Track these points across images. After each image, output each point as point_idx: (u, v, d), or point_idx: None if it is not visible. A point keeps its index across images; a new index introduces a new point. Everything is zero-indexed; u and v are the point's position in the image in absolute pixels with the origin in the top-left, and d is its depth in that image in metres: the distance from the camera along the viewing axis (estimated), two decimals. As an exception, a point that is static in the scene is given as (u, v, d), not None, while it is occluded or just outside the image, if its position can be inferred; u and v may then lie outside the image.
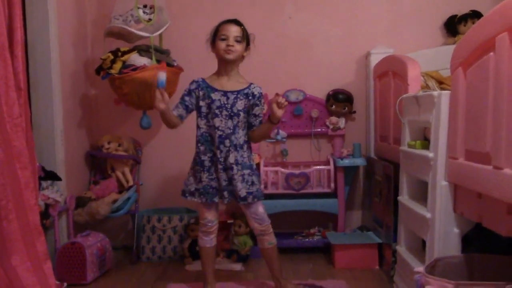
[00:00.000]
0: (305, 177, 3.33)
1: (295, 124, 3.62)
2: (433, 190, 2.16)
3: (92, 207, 3.12)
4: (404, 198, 2.58)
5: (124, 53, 3.21)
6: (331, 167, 3.36)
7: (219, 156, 2.53)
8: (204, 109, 2.57)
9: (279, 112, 2.44)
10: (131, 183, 3.44)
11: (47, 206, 2.84)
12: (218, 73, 2.60)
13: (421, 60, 2.87)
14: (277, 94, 2.47)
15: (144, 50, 3.23)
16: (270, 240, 2.63)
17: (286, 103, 2.44)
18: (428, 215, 2.18)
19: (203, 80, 2.60)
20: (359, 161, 3.37)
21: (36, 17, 2.99)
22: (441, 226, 2.11)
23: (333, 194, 3.40)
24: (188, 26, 3.65)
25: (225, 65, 2.56)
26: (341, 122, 3.55)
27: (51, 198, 2.82)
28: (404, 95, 2.61)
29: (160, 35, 3.35)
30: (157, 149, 3.72)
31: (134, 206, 3.42)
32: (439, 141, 2.13)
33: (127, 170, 3.46)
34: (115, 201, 3.26)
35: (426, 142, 2.36)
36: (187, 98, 2.59)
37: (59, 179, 2.96)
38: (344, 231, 3.40)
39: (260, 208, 2.60)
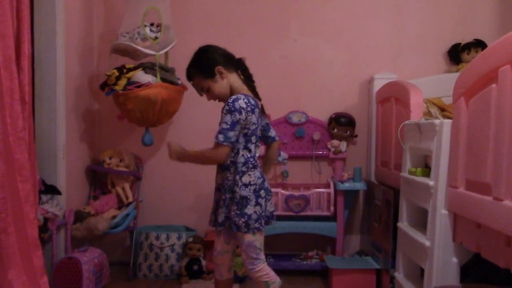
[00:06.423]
0: (305, 199, 3.32)
1: (297, 145, 3.62)
2: (432, 218, 2.16)
3: (90, 223, 3.11)
4: (403, 224, 2.57)
5: (129, 70, 3.23)
6: (331, 190, 3.36)
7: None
8: None
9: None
10: (130, 199, 3.44)
11: (45, 220, 2.83)
12: None
13: (424, 87, 2.89)
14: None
15: (149, 68, 3.25)
16: (261, 278, 2.24)
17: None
18: (427, 243, 2.17)
19: None
20: (359, 185, 3.37)
21: (43, 31, 3.01)
22: (440, 255, 2.10)
23: (332, 218, 3.39)
24: (194, 44, 3.64)
25: None
26: (343, 145, 3.56)
27: (50, 212, 2.81)
28: (406, 122, 2.62)
29: (166, 53, 3.37)
30: (158, 166, 3.72)
31: (133, 222, 3.40)
32: (439, 169, 2.13)
33: (127, 186, 3.47)
34: (114, 217, 3.25)
35: (427, 170, 2.36)
36: None
37: (59, 193, 2.95)
38: (342, 255, 3.39)
39: (243, 255, 2.25)
